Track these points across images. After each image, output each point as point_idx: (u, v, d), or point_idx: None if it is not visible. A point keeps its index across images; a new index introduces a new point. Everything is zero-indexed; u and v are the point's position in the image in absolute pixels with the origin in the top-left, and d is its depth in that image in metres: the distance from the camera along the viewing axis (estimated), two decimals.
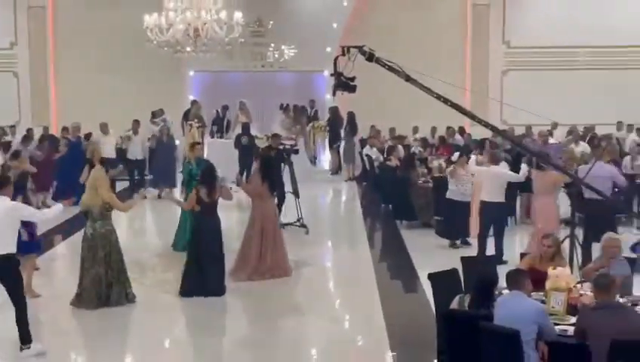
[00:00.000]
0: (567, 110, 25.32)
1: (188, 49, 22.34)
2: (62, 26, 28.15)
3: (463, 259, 10.80)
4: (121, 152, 22.78)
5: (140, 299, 12.54)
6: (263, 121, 26.58)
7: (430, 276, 9.94)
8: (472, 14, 28.89)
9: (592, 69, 28.16)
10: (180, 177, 19.17)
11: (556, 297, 8.82)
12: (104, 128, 22.41)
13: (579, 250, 11.92)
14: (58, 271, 15.13)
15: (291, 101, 27.39)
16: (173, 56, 23.70)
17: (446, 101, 9.53)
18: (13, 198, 10.54)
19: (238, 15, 21.55)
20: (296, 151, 20.00)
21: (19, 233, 10.63)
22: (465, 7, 28.91)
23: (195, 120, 23.30)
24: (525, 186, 16.25)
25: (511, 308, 8.07)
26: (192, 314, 12.41)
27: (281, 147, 18.98)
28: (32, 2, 28.15)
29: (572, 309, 8.73)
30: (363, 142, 25.06)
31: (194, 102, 25.02)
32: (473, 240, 15.40)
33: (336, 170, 26.81)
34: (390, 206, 19.61)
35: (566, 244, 11.74)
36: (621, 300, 8.69)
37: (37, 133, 23.70)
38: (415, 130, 25.82)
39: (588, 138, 22.53)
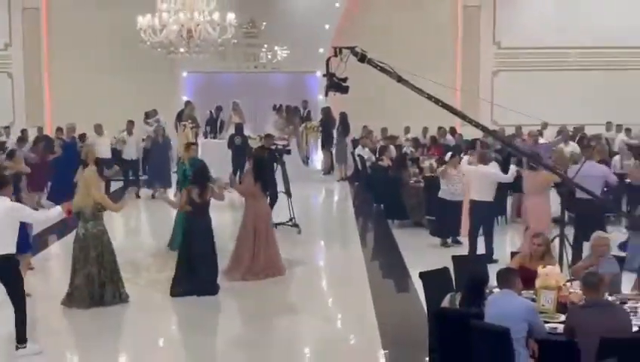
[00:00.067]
0: (557, 110, 25.46)
1: (181, 50, 22.33)
2: (56, 27, 28.15)
3: (454, 257, 10.87)
4: (116, 153, 22.82)
5: (134, 298, 12.55)
6: (256, 122, 26.65)
7: (421, 275, 9.99)
8: (463, 15, 28.99)
9: (582, 69, 28.31)
10: (175, 177, 19.22)
11: (546, 295, 8.88)
12: (98, 129, 22.41)
13: (568, 249, 12.01)
14: (52, 271, 15.13)
15: (284, 102, 27.43)
16: (167, 57, 23.72)
17: (437, 101, 9.60)
18: None
19: (231, 16, 21.55)
20: (289, 152, 20.08)
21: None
22: (456, 8, 28.99)
23: (189, 120, 23.33)
24: (516, 186, 16.35)
25: (501, 306, 8.12)
26: (186, 313, 12.42)
27: (273, 147, 19.05)
28: (27, 3, 28.15)
29: (562, 307, 8.78)
30: (355, 143, 25.13)
31: (187, 103, 25.05)
32: (464, 239, 15.47)
33: (328, 170, 26.86)
34: (382, 205, 19.67)
35: (556, 243, 11.86)
36: (610, 298, 8.76)
37: (31, 134, 23.75)
38: (407, 130, 25.93)
39: (577, 138, 22.67)
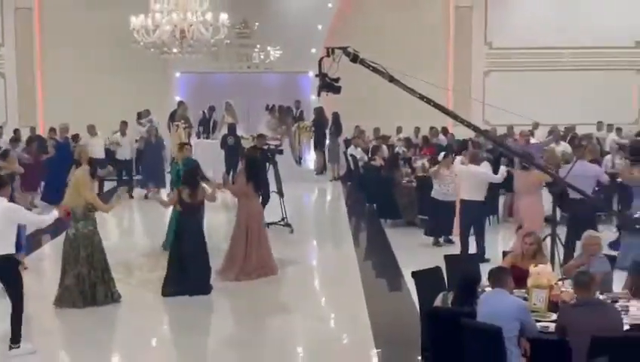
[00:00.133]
0: (548, 110, 25.59)
1: (174, 50, 22.32)
2: (49, 27, 28.11)
3: (446, 257, 10.91)
4: (109, 153, 22.81)
5: (127, 298, 12.56)
6: (249, 122, 26.65)
7: (414, 274, 10.03)
8: (455, 16, 29.03)
9: (573, 69, 28.40)
10: (169, 178, 19.22)
11: (538, 294, 8.93)
12: (91, 130, 22.39)
13: (560, 248, 12.06)
14: (45, 271, 15.13)
15: (277, 102, 27.42)
16: (160, 58, 23.73)
17: (429, 101, 9.62)
18: None
19: (223, 17, 21.56)
20: (281, 152, 20.08)
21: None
22: (447, 9, 29.03)
23: (182, 121, 23.35)
24: (509, 186, 16.41)
25: (493, 305, 8.16)
26: (179, 313, 12.41)
27: (265, 147, 19.08)
28: (19, 3, 28.10)
29: (553, 306, 8.82)
30: (347, 142, 25.20)
31: (180, 103, 25.05)
32: (456, 239, 15.50)
33: (321, 169, 26.89)
34: (374, 205, 19.73)
35: (548, 242, 11.90)
36: (601, 297, 8.79)
37: (24, 134, 23.73)
38: (399, 130, 26.00)
39: (568, 138, 22.74)
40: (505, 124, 23.47)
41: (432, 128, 24.41)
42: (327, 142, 26.66)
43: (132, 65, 26.24)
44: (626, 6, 28.07)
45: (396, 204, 18.34)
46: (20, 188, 17.72)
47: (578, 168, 13.45)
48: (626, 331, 8.10)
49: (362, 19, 27.84)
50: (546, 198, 14.57)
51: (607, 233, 15.60)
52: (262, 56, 28.30)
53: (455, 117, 10.25)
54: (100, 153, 21.51)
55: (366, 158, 21.75)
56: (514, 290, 8.64)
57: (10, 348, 10.21)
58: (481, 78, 29.01)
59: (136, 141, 23.47)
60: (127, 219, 20.34)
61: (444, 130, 24.94)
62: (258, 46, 28.25)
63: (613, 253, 12.45)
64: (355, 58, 9.41)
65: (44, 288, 13.27)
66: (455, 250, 14.72)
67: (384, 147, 22.10)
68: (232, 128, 23.53)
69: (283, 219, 17.77)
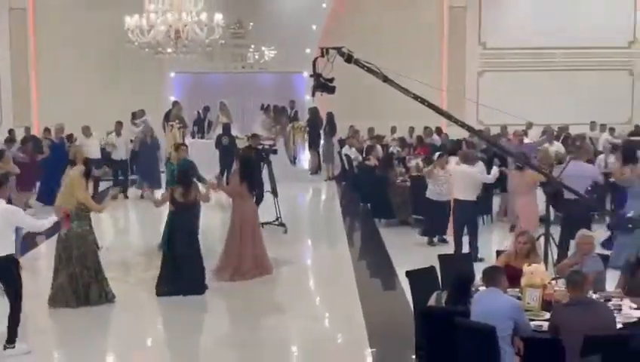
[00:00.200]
0: (542, 110, 25.66)
1: (169, 50, 22.32)
2: (43, 27, 28.10)
3: (440, 256, 10.97)
4: (105, 153, 22.81)
5: (122, 298, 12.56)
6: (243, 122, 26.71)
7: (408, 273, 10.07)
8: (449, 16, 29.11)
9: (566, 70, 28.48)
10: (164, 177, 19.22)
11: (531, 293, 8.95)
12: (86, 131, 22.37)
13: (554, 247, 12.10)
14: (41, 270, 15.03)
15: (271, 102, 27.48)
16: (154, 58, 23.69)
17: (423, 101, 9.63)
18: None
19: (218, 17, 21.56)
20: (275, 151, 20.08)
21: None
22: (441, 9, 29.11)
23: (176, 121, 23.35)
24: (504, 186, 16.46)
25: (487, 304, 8.17)
26: (173, 313, 12.41)
27: (260, 147, 19.10)
28: (13, 4, 28.10)
29: (547, 305, 8.83)
30: (342, 142, 25.23)
31: (175, 103, 25.05)
32: (450, 238, 15.50)
33: (315, 169, 26.89)
34: (369, 205, 19.75)
35: (541, 241, 11.93)
36: (594, 296, 8.82)
37: (18, 135, 23.71)
38: (393, 130, 26.03)
39: (562, 138, 22.80)
40: (498, 124, 23.50)
41: (426, 128, 24.46)
42: (322, 142, 26.67)
43: (127, 65, 26.28)
44: (618, 7, 28.18)
45: (390, 204, 18.37)
46: (15, 188, 17.71)
47: (574, 168, 13.48)
48: (618, 330, 8.11)
49: (356, 20, 27.92)
50: (541, 198, 14.63)
51: (601, 232, 15.63)
52: (256, 57, 28.36)
53: (449, 117, 10.26)
54: (95, 153, 21.49)
55: (360, 158, 21.79)
56: (507, 289, 8.65)
57: (5, 348, 10.22)
58: (475, 78, 29.09)
59: (131, 141, 23.47)
60: (123, 219, 20.35)
61: (438, 130, 24.98)
62: (252, 46, 28.32)
63: (606, 252, 12.48)
64: (349, 58, 9.40)
65: (39, 287, 13.20)
66: (449, 249, 14.74)
67: (378, 147, 22.13)
68: (226, 128, 23.53)
69: (277, 219, 17.78)
